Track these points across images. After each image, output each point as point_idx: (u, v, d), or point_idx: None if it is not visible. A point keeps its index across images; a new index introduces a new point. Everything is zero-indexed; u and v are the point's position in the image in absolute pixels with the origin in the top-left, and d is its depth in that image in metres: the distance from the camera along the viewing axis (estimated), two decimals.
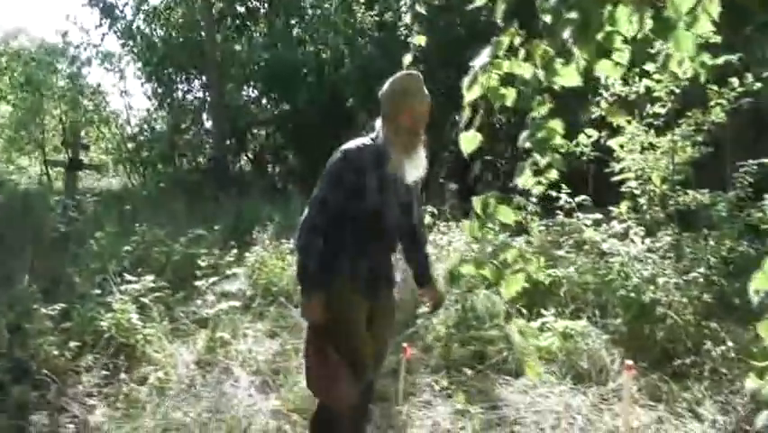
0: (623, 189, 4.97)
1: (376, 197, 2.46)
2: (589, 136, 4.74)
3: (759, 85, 4.42)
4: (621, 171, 4.68)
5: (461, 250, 5.28)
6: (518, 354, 3.77)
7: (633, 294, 4.22)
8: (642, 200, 4.68)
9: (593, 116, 4.72)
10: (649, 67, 4.41)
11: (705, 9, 1.37)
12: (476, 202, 1.43)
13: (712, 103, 4.54)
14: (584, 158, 5.00)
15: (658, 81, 4.43)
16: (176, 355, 3.77)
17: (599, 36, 1.24)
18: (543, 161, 1.38)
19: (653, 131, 4.58)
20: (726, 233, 4.48)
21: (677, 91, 4.47)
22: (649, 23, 1.21)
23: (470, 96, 1.42)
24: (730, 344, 3.78)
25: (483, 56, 1.40)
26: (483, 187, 6.80)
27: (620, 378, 3.61)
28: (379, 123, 2.54)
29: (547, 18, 1.38)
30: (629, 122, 4.54)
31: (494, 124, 10.25)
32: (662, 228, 4.63)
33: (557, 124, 1.34)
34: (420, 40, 1.79)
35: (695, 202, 4.60)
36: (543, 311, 4.27)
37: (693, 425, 3.38)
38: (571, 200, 5.40)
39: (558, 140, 1.33)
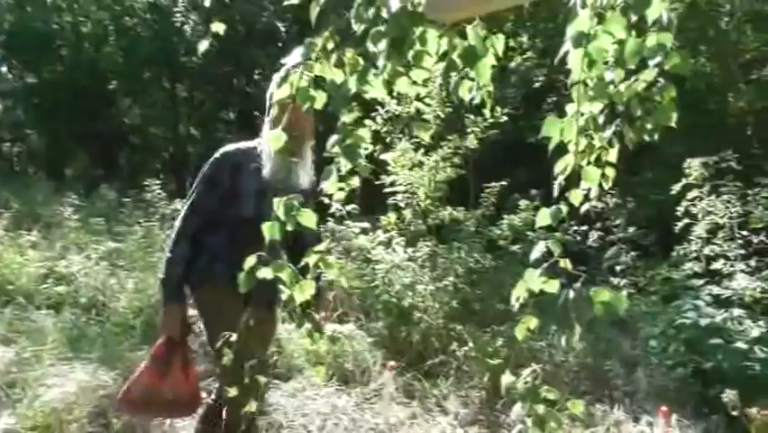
0: (390, 201, 5.32)
1: (253, 203, 2.30)
2: (366, 149, 5.00)
3: (505, 118, 5.12)
4: (392, 184, 5.02)
5: None
6: (289, 358, 3.78)
7: (394, 299, 4.54)
8: (407, 213, 5.07)
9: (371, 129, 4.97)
10: (421, 90, 4.86)
11: (492, 44, 1.54)
12: (277, 204, 1.40)
13: (468, 130, 5.12)
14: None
15: (428, 105, 4.87)
16: None
17: (410, 54, 1.32)
18: (345, 168, 1.41)
19: (421, 150, 5.00)
20: (473, 246, 5.07)
21: (442, 116, 4.95)
22: (457, 50, 1.32)
23: (279, 94, 1.38)
24: (471, 345, 4.28)
25: (295, 55, 1.38)
26: None
27: (381, 378, 3.86)
28: (265, 125, 2.40)
29: (360, 27, 1.41)
30: (400, 139, 4.91)
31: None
32: (422, 240, 5.07)
33: (365, 132, 1.38)
34: (219, 27, 1.69)
35: (450, 217, 5.13)
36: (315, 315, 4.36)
37: (440, 418, 3.74)
38: (342, 208, 5.61)
39: (365, 148, 1.37)
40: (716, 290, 3.79)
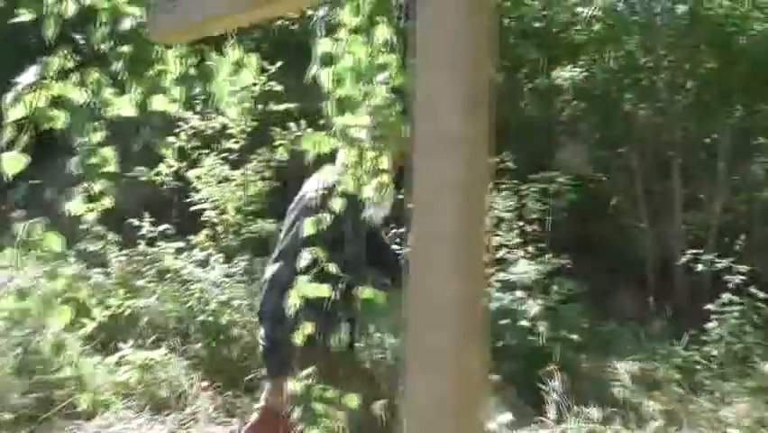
0: (203, 219, 5.20)
1: (353, 246, 2.12)
2: (171, 166, 4.86)
3: (310, 130, 5.24)
4: (201, 202, 4.91)
5: None
6: (90, 393, 3.53)
7: (211, 318, 4.45)
8: (220, 229, 5.00)
9: (175, 146, 4.84)
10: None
11: (247, 63, 1.60)
12: (21, 228, 1.33)
13: (276, 143, 5.17)
14: (165, 187, 5.07)
15: (232, 119, 4.84)
16: None
17: (152, 72, 1.32)
18: (96, 188, 1.38)
19: (228, 165, 4.96)
20: None
21: (248, 130, 4.96)
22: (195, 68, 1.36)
23: (13, 114, 1.32)
24: None
25: (30, 74, 1.32)
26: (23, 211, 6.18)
27: (198, 401, 3.76)
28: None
29: (103, 46, 1.40)
30: (207, 155, 4.83)
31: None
32: (239, 254, 5.02)
33: (109, 152, 1.36)
34: None
35: (264, 230, 5.15)
36: (121, 345, 4.12)
37: None
38: (153, 229, 5.37)
39: (111, 167, 1.35)
40: (502, 275, 4.25)
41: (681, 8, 7.33)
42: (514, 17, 9.49)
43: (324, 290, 1.68)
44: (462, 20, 0.67)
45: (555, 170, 5.61)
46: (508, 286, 4.14)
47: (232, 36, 1.61)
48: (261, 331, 2.19)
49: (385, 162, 1.75)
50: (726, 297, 4.72)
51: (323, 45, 1.59)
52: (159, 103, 1.49)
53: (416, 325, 0.69)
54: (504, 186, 4.61)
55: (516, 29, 9.24)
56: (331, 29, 1.59)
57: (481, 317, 0.67)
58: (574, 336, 4.24)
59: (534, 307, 3.92)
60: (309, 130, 1.62)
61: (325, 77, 1.58)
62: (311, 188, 2.20)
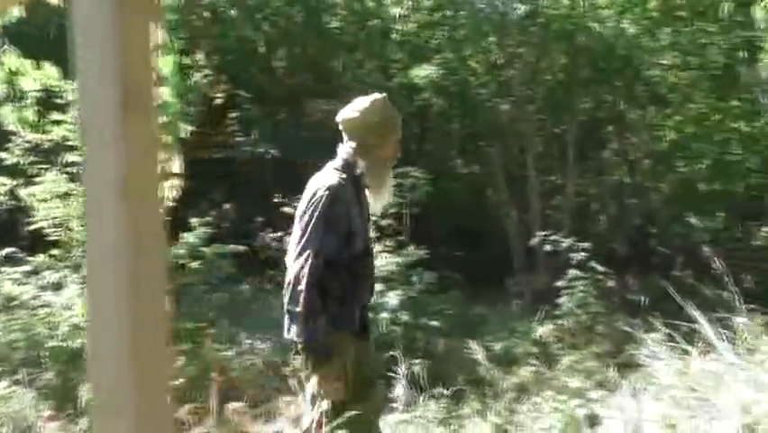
0: (52, 238, 4.88)
1: (365, 234, 2.31)
2: (3, 184, 4.53)
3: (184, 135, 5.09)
4: (43, 220, 4.60)
5: None
6: None
7: (63, 343, 4.18)
8: (68, 247, 4.71)
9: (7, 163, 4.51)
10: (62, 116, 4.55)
11: (24, 71, 1.53)
12: None
13: None
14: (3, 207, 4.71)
15: (72, 131, 4.56)
16: None
17: None
18: None
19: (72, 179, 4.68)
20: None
21: None
22: None
23: None
24: None
25: None
26: None
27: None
28: (347, 149, 2.28)
29: None
30: (47, 169, 4.53)
31: None
32: None
33: None
34: None
35: None
36: None
37: None
38: None
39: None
40: None
41: (523, 8, 7.82)
42: (379, 18, 9.75)
43: None
44: (118, 15, 0.67)
45: (419, 166, 5.80)
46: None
47: (3, 43, 1.55)
48: (294, 329, 2.18)
49: (176, 165, 1.78)
50: (573, 273, 5.11)
51: None
52: None
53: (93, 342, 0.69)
54: None
55: (381, 29, 9.48)
56: None
57: (163, 344, 0.67)
58: (436, 323, 4.42)
59: (394, 298, 4.04)
60: None
61: None
62: (320, 185, 2.25)
